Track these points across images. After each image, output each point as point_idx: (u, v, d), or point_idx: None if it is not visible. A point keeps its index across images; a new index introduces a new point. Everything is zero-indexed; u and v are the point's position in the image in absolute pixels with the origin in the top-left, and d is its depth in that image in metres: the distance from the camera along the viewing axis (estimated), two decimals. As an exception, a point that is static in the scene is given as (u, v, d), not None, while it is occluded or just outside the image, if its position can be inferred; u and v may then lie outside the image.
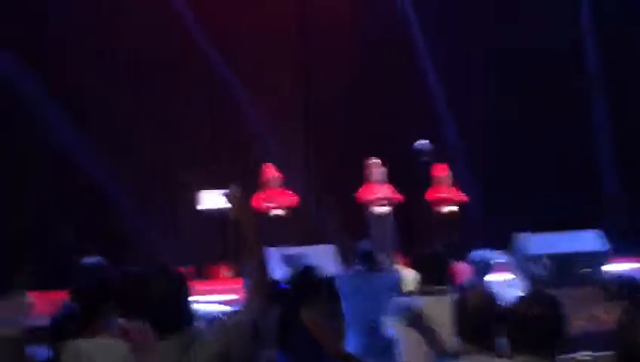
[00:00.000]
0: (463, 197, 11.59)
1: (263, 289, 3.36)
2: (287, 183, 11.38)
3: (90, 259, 5.59)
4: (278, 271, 8.45)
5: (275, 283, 4.99)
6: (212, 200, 10.77)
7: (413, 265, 5.58)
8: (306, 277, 4.98)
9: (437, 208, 11.42)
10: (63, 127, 11.64)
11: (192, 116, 12.80)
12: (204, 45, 12.52)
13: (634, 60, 13.23)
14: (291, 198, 11.17)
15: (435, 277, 4.97)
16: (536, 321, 2.96)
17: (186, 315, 3.19)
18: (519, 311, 3.02)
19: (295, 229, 11.24)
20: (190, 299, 3.26)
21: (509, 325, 3.06)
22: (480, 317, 3.48)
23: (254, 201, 10.63)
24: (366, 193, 11.17)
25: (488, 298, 3.61)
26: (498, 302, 3.66)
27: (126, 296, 3.97)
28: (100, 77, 12.11)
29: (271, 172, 11.16)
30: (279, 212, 10.99)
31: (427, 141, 10.15)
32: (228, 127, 12.95)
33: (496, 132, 13.15)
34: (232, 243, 11.49)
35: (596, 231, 10.21)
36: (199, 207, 10.88)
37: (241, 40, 12.71)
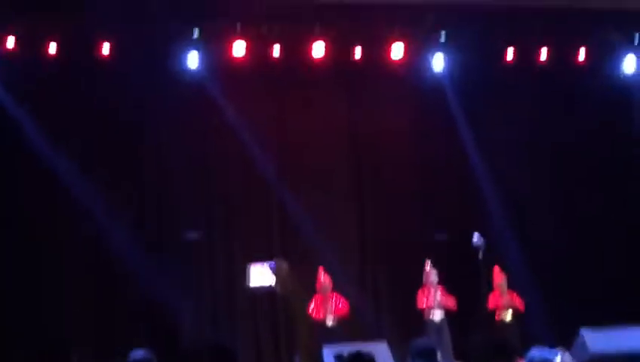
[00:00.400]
0: (520, 304, 11.53)
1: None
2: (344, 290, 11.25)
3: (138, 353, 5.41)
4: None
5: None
6: (261, 274, 10.36)
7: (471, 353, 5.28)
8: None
9: (497, 315, 11.38)
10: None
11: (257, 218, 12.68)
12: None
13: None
14: (343, 308, 10.94)
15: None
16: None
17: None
18: None
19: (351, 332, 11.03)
20: None
21: None
22: None
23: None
24: (423, 297, 11.27)
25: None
26: None
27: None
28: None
29: (324, 277, 10.83)
30: (331, 321, 10.62)
31: (479, 235, 9.99)
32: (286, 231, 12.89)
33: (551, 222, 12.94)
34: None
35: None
36: (250, 284, 10.44)
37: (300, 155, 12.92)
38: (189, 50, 11.91)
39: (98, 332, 11.45)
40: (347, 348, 9.08)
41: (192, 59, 11.96)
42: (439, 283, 11.40)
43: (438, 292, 11.27)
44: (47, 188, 11.73)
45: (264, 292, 9.90)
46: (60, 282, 11.69)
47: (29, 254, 11.50)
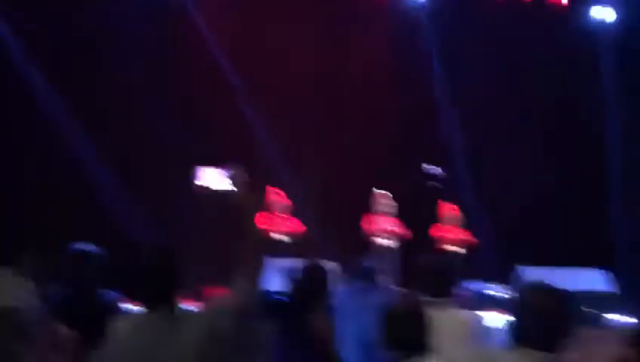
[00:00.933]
0: (472, 239, 11.58)
1: (254, 274, 3.27)
2: (293, 210, 11.44)
3: (80, 245, 5.46)
4: (276, 281, 8.39)
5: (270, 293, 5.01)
6: (212, 177, 10.37)
7: (411, 276, 5.43)
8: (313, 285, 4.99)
9: (441, 246, 11.37)
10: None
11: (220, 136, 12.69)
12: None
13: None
14: (295, 225, 11.20)
15: (432, 287, 4.69)
16: (544, 314, 2.83)
17: (174, 291, 3.11)
18: (528, 302, 2.89)
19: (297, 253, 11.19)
20: (180, 275, 3.18)
21: (514, 318, 2.94)
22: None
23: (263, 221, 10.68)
24: (370, 223, 11.19)
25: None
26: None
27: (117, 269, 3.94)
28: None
29: (275, 195, 11.20)
30: (281, 237, 11.06)
31: (438, 168, 10.12)
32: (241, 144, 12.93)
33: (509, 168, 13.16)
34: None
35: (600, 270, 10.07)
36: (197, 183, 10.33)
37: (265, 76, 12.81)
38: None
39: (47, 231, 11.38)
40: (293, 262, 9.31)
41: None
42: (391, 212, 11.40)
43: (388, 219, 11.27)
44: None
45: (218, 196, 10.13)
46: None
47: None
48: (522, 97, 13.41)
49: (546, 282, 3.00)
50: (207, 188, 10.29)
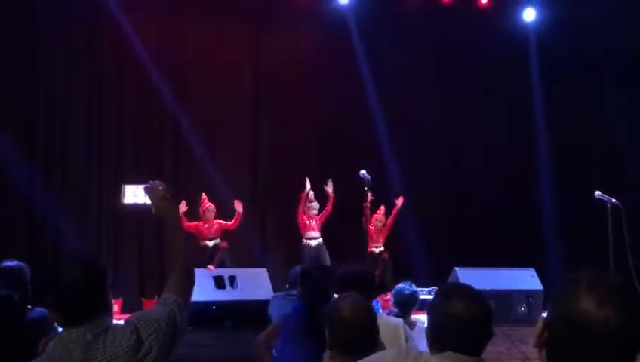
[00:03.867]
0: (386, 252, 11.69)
1: (184, 285, 3.13)
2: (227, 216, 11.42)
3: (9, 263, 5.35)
4: (207, 290, 8.30)
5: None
6: (136, 193, 10.50)
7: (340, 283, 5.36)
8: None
9: (369, 248, 11.34)
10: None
11: (145, 140, 12.63)
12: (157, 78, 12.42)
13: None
14: (227, 229, 11.25)
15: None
16: (468, 320, 2.79)
17: (100, 304, 2.97)
18: (448, 309, 2.84)
19: (232, 256, 11.16)
20: (105, 287, 3.03)
21: (432, 321, 2.89)
22: (354, 327, 3.31)
23: (192, 228, 10.83)
24: (302, 225, 11.34)
25: (363, 308, 3.44)
26: (373, 313, 3.49)
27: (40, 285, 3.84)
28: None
29: (207, 202, 11.26)
30: (212, 243, 11.08)
31: (365, 173, 10.14)
32: (176, 156, 12.78)
33: (438, 171, 13.25)
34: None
35: (531, 269, 10.22)
36: (123, 201, 10.61)
37: (198, 80, 12.74)
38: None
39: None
40: (225, 272, 9.25)
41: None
42: (316, 212, 11.44)
43: (316, 222, 11.35)
44: None
45: (144, 210, 9.92)
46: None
47: None
48: (450, 97, 13.48)
49: (468, 285, 2.95)
50: (132, 204, 10.52)
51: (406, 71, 13.16)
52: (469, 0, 13.52)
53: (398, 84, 13.15)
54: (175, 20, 12.69)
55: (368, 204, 10.06)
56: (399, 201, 11.80)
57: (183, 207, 10.19)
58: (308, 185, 11.43)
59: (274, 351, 5.24)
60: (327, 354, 3.38)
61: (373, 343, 3.33)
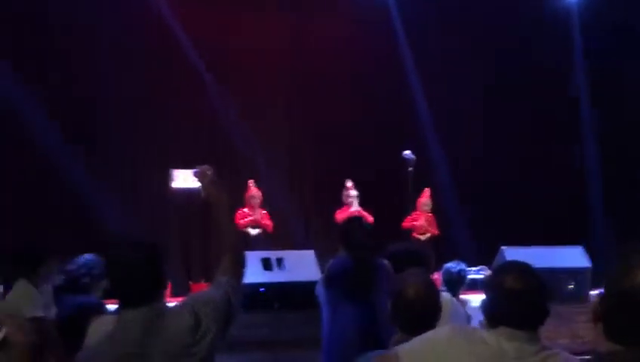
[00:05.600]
0: (435, 229, 11.55)
1: (236, 267, 3.23)
2: (272, 203, 11.49)
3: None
4: (255, 272, 8.35)
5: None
6: (185, 178, 10.56)
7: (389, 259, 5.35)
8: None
9: (414, 236, 11.39)
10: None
11: (189, 129, 12.74)
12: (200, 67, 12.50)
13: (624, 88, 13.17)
14: (267, 222, 11.24)
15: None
16: (520, 293, 2.80)
17: (157, 286, 3.01)
18: (500, 283, 2.85)
19: (277, 245, 11.22)
20: (163, 270, 3.07)
21: (487, 297, 2.90)
22: (419, 306, 3.30)
23: (236, 216, 10.78)
24: (341, 216, 11.22)
25: (429, 288, 3.44)
26: (437, 291, 3.49)
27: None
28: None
29: (253, 189, 11.29)
30: (255, 231, 11.09)
31: (410, 152, 10.13)
32: (218, 142, 12.85)
33: (483, 150, 13.19)
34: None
35: (579, 247, 10.12)
36: (172, 185, 10.67)
37: (236, 65, 12.71)
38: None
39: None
40: (273, 254, 9.29)
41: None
42: (360, 204, 11.34)
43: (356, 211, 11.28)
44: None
45: (193, 196, 9.93)
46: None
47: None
48: (494, 75, 13.35)
49: (518, 260, 2.96)
50: (181, 188, 10.57)
51: (449, 52, 13.10)
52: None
53: (440, 65, 13.11)
54: (216, 7, 12.71)
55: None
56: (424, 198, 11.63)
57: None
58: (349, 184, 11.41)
59: (324, 308, 5.25)
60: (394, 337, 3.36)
61: (435, 322, 3.33)
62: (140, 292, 2.92)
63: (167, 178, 10.66)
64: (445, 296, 4.92)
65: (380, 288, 4.89)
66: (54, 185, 11.55)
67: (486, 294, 2.90)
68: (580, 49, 13.88)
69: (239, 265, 3.25)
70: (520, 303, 2.75)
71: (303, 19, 13.20)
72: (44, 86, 11.57)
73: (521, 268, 2.86)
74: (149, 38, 12.54)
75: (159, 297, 2.97)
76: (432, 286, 3.48)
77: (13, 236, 10.49)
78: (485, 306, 2.87)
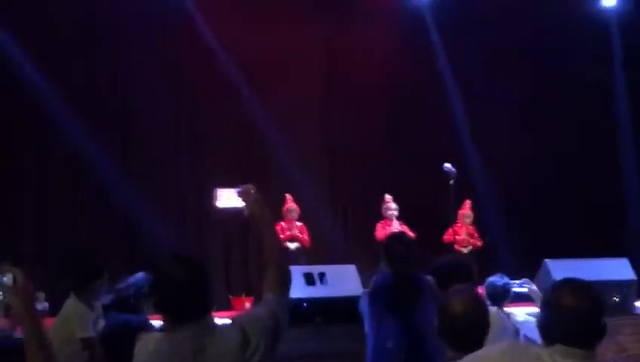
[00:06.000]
0: (477, 241, 11.53)
1: (282, 283, 3.24)
2: (311, 217, 11.57)
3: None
4: (297, 287, 8.36)
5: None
6: (229, 197, 10.64)
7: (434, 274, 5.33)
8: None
9: (456, 249, 11.37)
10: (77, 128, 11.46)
11: (226, 142, 12.78)
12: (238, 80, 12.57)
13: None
14: (305, 236, 11.25)
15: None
16: (578, 311, 2.78)
17: (204, 304, 3.04)
18: (558, 300, 2.83)
19: (317, 259, 11.28)
20: (209, 287, 3.08)
21: (543, 314, 2.89)
22: (467, 322, 3.26)
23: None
24: (381, 230, 11.24)
25: (476, 303, 3.40)
26: (486, 307, 3.44)
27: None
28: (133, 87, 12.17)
29: (291, 203, 11.34)
30: (294, 245, 11.12)
31: (450, 166, 10.10)
32: (256, 156, 12.93)
33: (522, 161, 13.09)
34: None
35: (624, 259, 10.00)
36: (217, 204, 10.74)
37: (273, 78, 12.77)
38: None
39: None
40: (315, 268, 9.32)
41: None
42: (399, 217, 11.40)
43: (397, 226, 11.25)
44: (28, 108, 11.56)
45: (233, 213, 9.94)
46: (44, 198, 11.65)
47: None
48: (532, 87, 13.26)
49: (576, 278, 2.94)
50: (224, 207, 10.59)
51: (485, 63, 13.05)
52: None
53: (477, 75, 13.06)
54: (251, 20, 12.70)
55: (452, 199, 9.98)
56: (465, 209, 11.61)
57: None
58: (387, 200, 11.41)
59: (368, 323, 5.26)
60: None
61: (484, 337, 3.30)
62: (188, 310, 2.94)
63: (212, 197, 10.81)
64: (493, 310, 4.89)
65: (424, 303, 4.90)
66: (99, 203, 11.68)
67: (542, 312, 2.89)
68: (619, 58, 13.71)
69: (285, 282, 3.27)
70: (577, 321, 2.75)
71: (339, 31, 13.19)
72: (93, 110, 11.75)
73: (579, 286, 2.85)
74: (187, 54, 12.66)
75: (207, 315, 3.00)
76: (479, 302, 3.44)
77: (61, 253, 10.67)
78: (542, 324, 2.86)
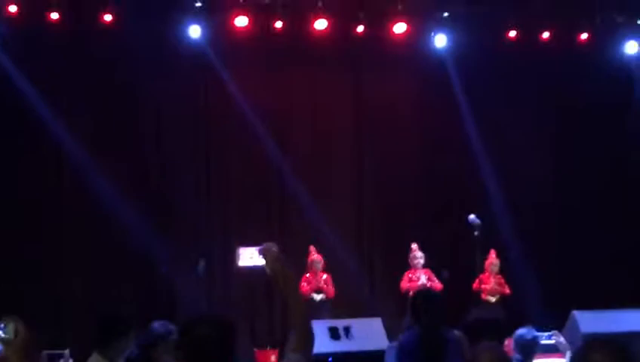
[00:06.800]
0: (506, 289, 11.44)
1: (306, 342, 3.25)
2: (336, 267, 11.55)
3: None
4: (322, 342, 8.30)
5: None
6: (251, 255, 10.67)
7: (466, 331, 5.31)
8: None
9: (484, 297, 11.27)
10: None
11: (253, 196, 12.79)
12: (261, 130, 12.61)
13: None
14: (330, 288, 11.23)
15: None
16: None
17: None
18: (590, 358, 2.77)
19: (342, 310, 11.25)
20: (235, 346, 3.09)
21: None
22: None
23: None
24: (406, 280, 11.23)
25: (503, 360, 3.34)
26: None
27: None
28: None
29: (315, 254, 11.36)
30: (319, 296, 11.10)
31: (475, 216, 10.07)
32: (280, 208, 12.96)
33: (552, 207, 12.94)
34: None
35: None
36: (239, 263, 10.81)
37: (298, 125, 12.92)
38: (191, 20, 11.90)
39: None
40: (340, 323, 9.26)
41: (195, 30, 11.95)
42: (426, 266, 11.38)
43: (424, 275, 11.25)
44: (48, 154, 11.79)
45: (258, 272, 10.02)
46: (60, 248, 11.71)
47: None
48: (554, 136, 13.20)
49: (607, 337, 2.87)
50: (246, 266, 10.71)
51: (507, 109, 13.05)
52: (568, 36, 13.18)
53: (500, 122, 13.06)
54: (275, 71, 12.81)
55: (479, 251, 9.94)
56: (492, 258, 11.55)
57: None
58: (414, 249, 11.41)
59: None
60: None
61: None
62: None
63: (234, 256, 10.87)
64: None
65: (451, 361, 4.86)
66: (124, 253, 11.67)
67: None
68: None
69: (308, 343, 3.27)
70: None
71: (362, 78, 13.25)
72: (114, 158, 11.86)
73: (611, 345, 2.75)
74: (209, 106, 12.77)
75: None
76: (506, 359, 3.42)
77: (87, 307, 10.69)
78: None
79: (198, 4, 11.88)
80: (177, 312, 11.12)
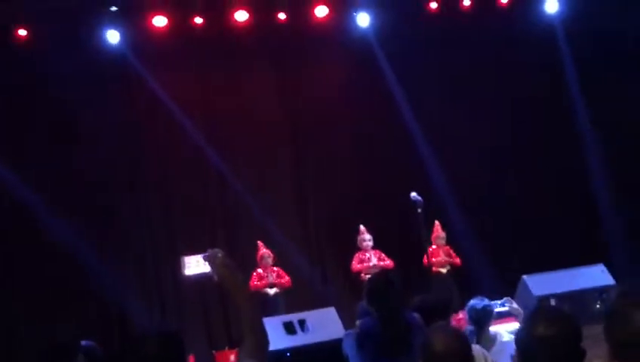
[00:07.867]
0: (456, 259, 11.55)
1: (260, 350, 3.19)
2: (287, 259, 11.54)
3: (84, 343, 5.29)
4: (278, 338, 8.21)
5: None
6: (197, 263, 10.59)
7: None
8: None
9: (434, 270, 11.33)
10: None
11: (192, 199, 12.60)
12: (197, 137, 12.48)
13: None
14: (284, 280, 11.23)
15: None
16: (553, 340, 2.71)
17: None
18: (532, 332, 2.79)
19: (297, 301, 11.20)
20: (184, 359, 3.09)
21: (520, 348, 2.82)
22: (450, 359, 3.17)
23: (252, 279, 10.88)
24: (357, 262, 11.24)
25: (459, 341, 3.32)
26: (468, 343, 3.39)
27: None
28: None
29: (264, 249, 11.32)
30: (272, 290, 11.08)
31: (416, 194, 10.08)
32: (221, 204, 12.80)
33: (488, 176, 13.06)
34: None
35: (600, 265, 9.99)
36: (184, 272, 10.73)
37: (232, 127, 12.73)
38: (108, 25, 11.67)
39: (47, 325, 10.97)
40: (295, 316, 9.16)
41: (112, 35, 11.70)
42: (375, 246, 11.40)
43: (374, 256, 11.28)
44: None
45: (205, 279, 9.92)
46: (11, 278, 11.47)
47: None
48: (488, 106, 13.26)
49: (552, 306, 2.91)
50: (192, 274, 10.64)
51: (436, 82, 13.07)
52: (488, 2, 13.30)
53: (429, 95, 13.05)
54: (200, 69, 12.66)
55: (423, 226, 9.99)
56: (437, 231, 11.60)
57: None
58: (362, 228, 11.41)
59: None
60: None
61: None
62: None
63: (179, 265, 10.72)
64: (477, 349, 4.84)
65: (414, 345, 4.81)
66: (68, 274, 11.43)
67: (518, 344, 2.85)
68: (570, 65, 13.77)
69: (263, 347, 3.22)
70: (553, 351, 2.71)
71: (287, 67, 13.10)
72: (52, 180, 11.61)
73: (552, 315, 2.83)
74: (138, 112, 12.57)
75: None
76: (462, 339, 3.37)
77: (28, 329, 10.42)
78: (519, 356, 2.82)
79: (114, 9, 11.62)
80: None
